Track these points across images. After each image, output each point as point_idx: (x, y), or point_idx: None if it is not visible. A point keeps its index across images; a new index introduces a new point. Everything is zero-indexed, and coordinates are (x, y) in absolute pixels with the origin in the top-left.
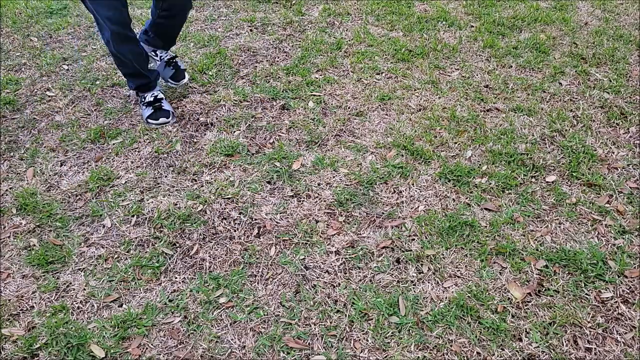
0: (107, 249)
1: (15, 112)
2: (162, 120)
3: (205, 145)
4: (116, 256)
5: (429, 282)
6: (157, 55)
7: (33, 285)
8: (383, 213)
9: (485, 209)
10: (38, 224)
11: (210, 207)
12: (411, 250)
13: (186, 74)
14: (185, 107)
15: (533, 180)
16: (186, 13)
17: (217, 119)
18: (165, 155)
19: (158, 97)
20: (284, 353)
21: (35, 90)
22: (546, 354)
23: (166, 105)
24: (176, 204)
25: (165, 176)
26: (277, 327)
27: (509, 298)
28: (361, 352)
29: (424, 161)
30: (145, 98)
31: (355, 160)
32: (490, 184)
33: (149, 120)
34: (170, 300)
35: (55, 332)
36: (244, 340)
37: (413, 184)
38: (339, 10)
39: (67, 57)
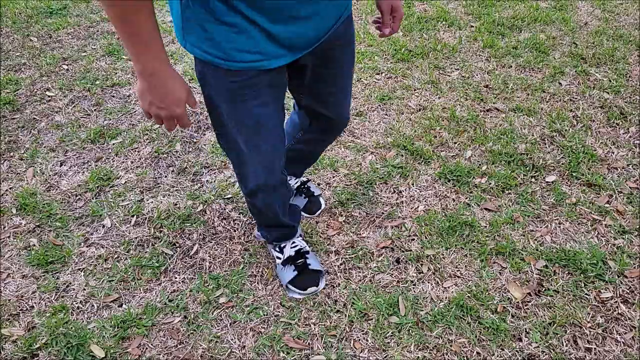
0: (107, 249)
1: (15, 112)
2: (311, 290)
3: (205, 145)
4: (116, 256)
5: (428, 282)
6: None
7: (33, 285)
8: (383, 213)
9: (485, 209)
10: (38, 224)
11: (210, 207)
12: (411, 250)
13: (321, 199)
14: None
15: (533, 180)
16: (340, 132)
17: None
18: (165, 155)
19: (302, 250)
20: (284, 353)
21: (35, 90)
22: (546, 354)
23: (314, 263)
24: (176, 204)
25: (165, 176)
26: (277, 327)
27: (508, 298)
28: (361, 352)
29: (424, 161)
30: (283, 251)
31: (355, 160)
32: (490, 184)
33: (291, 288)
34: (170, 300)
35: (55, 332)
36: (244, 340)
37: (413, 184)
38: None
39: (67, 57)
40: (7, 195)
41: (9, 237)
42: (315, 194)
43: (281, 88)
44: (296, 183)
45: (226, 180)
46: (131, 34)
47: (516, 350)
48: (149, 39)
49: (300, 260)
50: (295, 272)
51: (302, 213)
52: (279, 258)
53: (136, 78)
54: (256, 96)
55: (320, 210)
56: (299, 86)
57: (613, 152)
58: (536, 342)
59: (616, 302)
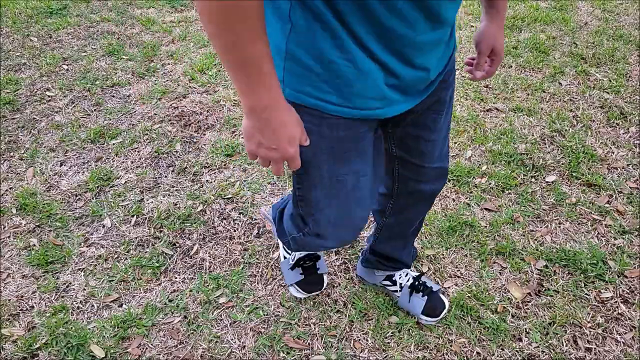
0: (107, 249)
1: (15, 112)
2: (314, 293)
3: (205, 145)
4: (116, 256)
5: None
6: (394, 283)
7: (33, 285)
8: None
9: (485, 209)
10: (38, 224)
11: (210, 207)
12: None
13: (442, 295)
14: (185, 107)
15: (533, 180)
16: (441, 184)
17: (217, 119)
18: (165, 155)
19: (314, 254)
20: (284, 353)
21: (35, 90)
22: (546, 354)
23: (322, 267)
24: (176, 204)
25: (165, 176)
26: (277, 327)
27: (509, 298)
28: (361, 352)
29: None
30: (294, 255)
31: None
32: (490, 184)
33: (295, 288)
34: (170, 300)
35: (55, 332)
36: (244, 340)
37: None
38: None
39: (67, 57)
40: (7, 195)
41: (9, 237)
42: (434, 290)
43: (379, 136)
44: (408, 280)
45: (226, 180)
46: (245, 65)
47: (516, 350)
48: (262, 66)
49: (308, 264)
50: (302, 276)
51: (423, 317)
52: (285, 257)
53: (241, 115)
54: (359, 151)
55: (445, 312)
56: (391, 134)
57: (613, 152)
58: (536, 342)
59: (616, 302)
